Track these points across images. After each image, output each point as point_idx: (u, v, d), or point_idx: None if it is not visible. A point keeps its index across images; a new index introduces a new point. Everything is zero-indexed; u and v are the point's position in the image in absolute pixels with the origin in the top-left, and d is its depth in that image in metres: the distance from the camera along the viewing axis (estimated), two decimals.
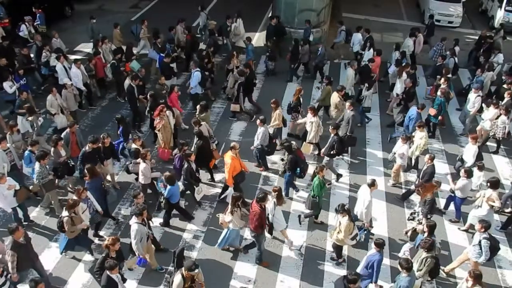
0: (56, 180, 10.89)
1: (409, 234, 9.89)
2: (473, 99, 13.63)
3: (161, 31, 17.21)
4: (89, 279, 9.15)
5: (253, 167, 12.38)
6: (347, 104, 12.54)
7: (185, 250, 9.81)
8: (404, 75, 14.67)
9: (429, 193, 9.89)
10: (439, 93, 13.38)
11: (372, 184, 9.59)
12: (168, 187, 9.85)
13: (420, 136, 11.72)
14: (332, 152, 11.48)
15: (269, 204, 9.29)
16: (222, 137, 13.54)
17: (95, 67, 14.66)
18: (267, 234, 9.68)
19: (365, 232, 9.85)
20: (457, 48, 16.67)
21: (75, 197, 9.12)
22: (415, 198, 11.39)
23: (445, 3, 22.13)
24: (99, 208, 9.72)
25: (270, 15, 20.45)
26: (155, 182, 10.70)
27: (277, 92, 15.69)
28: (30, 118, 11.78)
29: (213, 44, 16.86)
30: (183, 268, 7.60)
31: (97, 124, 13.89)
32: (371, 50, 16.32)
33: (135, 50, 16.79)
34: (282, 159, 11.48)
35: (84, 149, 10.63)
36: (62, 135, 11.04)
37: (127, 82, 13.41)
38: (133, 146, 10.91)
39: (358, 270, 8.55)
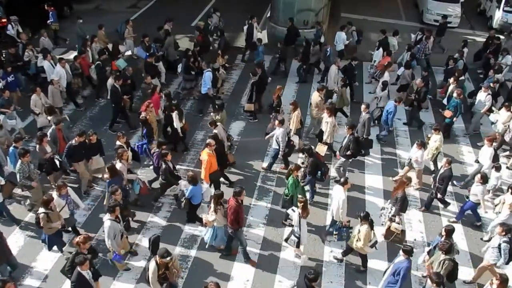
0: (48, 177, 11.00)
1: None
2: (484, 98, 13.63)
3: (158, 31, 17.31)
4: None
5: (255, 166, 12.46)
6: (363, 106, 12.48)
7: (183, 250, 9.90)
8: (386, 74, 14.64)
9: (400, 190, 9.86)
10: (455, 94, 13.31)
11: (345, 183, 9.55)
12: (190, 187, 9.75)
13: (434, 139, 11.71)
14: (347, 153, 11.41)
15: (294, 215, 9.18)
16: None
17: (80, 66, 14.70)
18: (296, 250, 9.63)
19: (345, 229, 9.78)
20: (465, 50, 16.59)
21: (55, 193, 9.20)
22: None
23: (444, 3, 22.12)
24: (82, 205, 9.81)
25: (268, 15, 20.45)
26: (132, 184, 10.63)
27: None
28: (49, 118, 11.82)
29: (224, 44, 16.98)
30: (157, 255, 7.75)
31: (95, 124, 13.85)
32: (380, 50, 16.28)
33: (126, 50, 16.94)
34: (303, 163, 11.43)
35: (71, 143, 10.71)
36: (48, 132, 11.13)
37: (110, 82, 13.38)
38: (117, 143, 10.88)
39: (385, 277, 8.37)
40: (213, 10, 18.72)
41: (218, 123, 11.77)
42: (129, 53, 17.40)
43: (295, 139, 12.43)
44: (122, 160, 10.20)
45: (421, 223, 10.96)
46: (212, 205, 9.27)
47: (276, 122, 11.67)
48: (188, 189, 9.84)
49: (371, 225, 8.90)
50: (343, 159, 11.58)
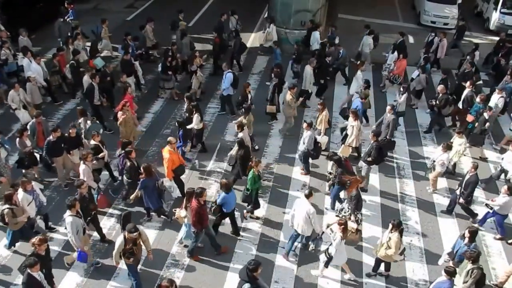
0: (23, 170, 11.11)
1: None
2: (496, 100, 13.66)
3: (155, 31, 17.28)
4: (83, 279, 9.14)
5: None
6: (388, 108, 12.49)
7: (180, 250, 9.89)
8: (359, 72, 14.69)
9: (354, 189, 9.84)
10: (478, 99, 13.26)
11: (310, 194, 9.18)
12: (222, 194, 9.56)
13: (459, 143, 11.69)
14: (368, 159, 11.30)
15: (336, 236, 8.79)
16: (218, 137, 13.52)
17: (59, 64, 14.73)
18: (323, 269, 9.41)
19: (320, 239, 9.64)
20: (476, 53, 16.45)
21: (20, 189, 9.16)
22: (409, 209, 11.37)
23: (441, 5, 22.15)
24: (44, 199, 9.78)
25: (266, 15, 20.45)
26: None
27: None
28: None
29: (239, 45, 17.07)
30: (125, 230, 8.06)
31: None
32: (395, 53, 16.26)
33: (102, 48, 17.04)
34: (330, 173, 11.20)
35: (49, 139, 10.77)
36: (28, 126, 11.26)
37: (86, 79, 13.41)
38: (92, 142, 10.88)
39: None
40: (231, 12, 18.62)
41: (245, 127, 11.66)
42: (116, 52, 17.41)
43: (324, 140, 12.40)
44: (86, 162, 10.06)
45: (417, 224, 10.97)
46: (184, 201, 9.34)
47: (305, 125, 11.62)
48: (220, 195, 9.66)
49: (401, 233, 8.77)
50: (364, 164, 11.49)
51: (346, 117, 13.44)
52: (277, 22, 18.61)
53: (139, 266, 9.27)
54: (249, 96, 13.48)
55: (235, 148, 11.20)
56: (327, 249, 9.04)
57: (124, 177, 10.50)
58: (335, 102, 15.61)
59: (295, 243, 9.75)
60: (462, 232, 9.09)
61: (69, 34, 16.65)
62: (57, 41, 17.17)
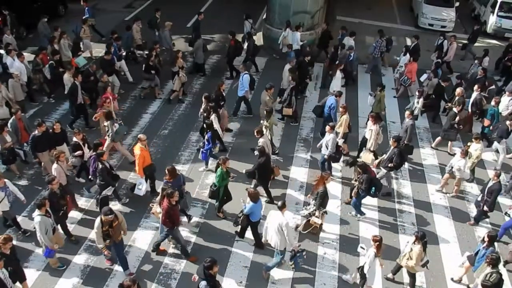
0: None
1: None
2: (507, 102, 13.76)
3: (151, 32, 17.22)
4: (80, 280, 9.10)
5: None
6: (407, 113, 12.51)
7: (177, 251, 9.83)
8: (338, 73, 14.72)
9: (321, 186, 9.88)
10: (493, 103, 13.34)
11: (283, 206, 8.86)
12: (250, 203, 9.34)
13: (475, 148, 11.69)
14: (390, 165, 11.26)
15: (370, 253, 8.52)
16: None
17: (42, 62, 14.71)
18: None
19: (299, 255, 9.13)
20: (486, 59, 16.44)
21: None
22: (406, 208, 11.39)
23: (438, 8, 22.30)
24: (22, 197, 9.74)
25: (264, 16, 20.47)
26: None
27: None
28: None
29: (253, 47, 17.12)
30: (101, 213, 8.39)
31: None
32: (407, 55, 16.30)
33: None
34: (356, 180, 10.89)
35: (34, 134, 10.78)
36: (9, 122, 11.24)
37: (66, 77, 13.41)
38: (74, 139, 10.87)
39: None
40: (245, 16, 18.60)
41: (264, 133, 11.53)
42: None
43: (339, 143, 12.30)
44: (59, 161, 9.98)
45: (414, 225, 10.98)
46: (159, 197, 9.41)
47: (328, 127, 11.56)
48: (247, 205, 9.48)
49: (424, 246, 8.69)
50: (384, 171, 11.45)
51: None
52: (275, 24, 18.64)
53: (135, 268, 9.34)
54: (223, 94, 13.48)
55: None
56: (362, 267, 8.76)
57: (98, 180, 10.22)
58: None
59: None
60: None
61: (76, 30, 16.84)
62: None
